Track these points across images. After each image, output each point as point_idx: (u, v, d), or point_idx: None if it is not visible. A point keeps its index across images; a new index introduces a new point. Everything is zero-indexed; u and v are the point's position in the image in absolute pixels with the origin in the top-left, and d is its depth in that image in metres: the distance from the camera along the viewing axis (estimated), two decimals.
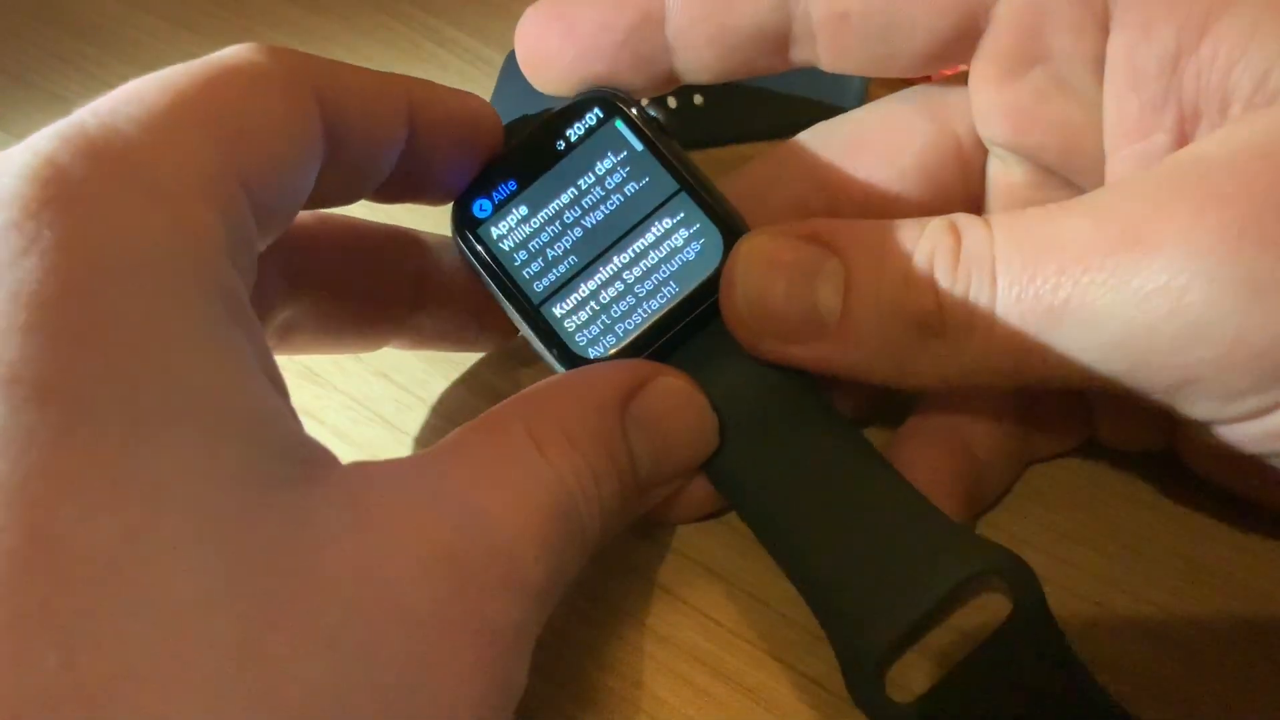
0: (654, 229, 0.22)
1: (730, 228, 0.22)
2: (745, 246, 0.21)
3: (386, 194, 0.22)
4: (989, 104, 0.22)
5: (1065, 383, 0.20)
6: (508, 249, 0.23)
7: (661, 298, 0.22)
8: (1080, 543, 0.23)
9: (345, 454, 0.26)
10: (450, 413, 0.27)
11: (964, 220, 0.20)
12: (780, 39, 0.22)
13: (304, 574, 0.14)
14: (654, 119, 0.23)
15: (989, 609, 0.20)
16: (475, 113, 0.22)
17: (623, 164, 0.22)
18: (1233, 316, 0.17)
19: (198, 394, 0.14)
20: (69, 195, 0.14)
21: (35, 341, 0.13)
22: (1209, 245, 0.17)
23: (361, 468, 0.17)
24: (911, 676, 0.20)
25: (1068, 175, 0.23)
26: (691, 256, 0.22)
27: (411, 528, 0.16)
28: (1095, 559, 0.23)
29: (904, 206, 0.24)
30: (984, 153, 0.24)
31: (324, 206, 0.21)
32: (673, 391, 0.21)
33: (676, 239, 0.22)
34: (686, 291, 0.22)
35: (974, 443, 0.23)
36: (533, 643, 0.17)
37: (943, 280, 0.19)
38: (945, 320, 0.20)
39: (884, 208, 0.24)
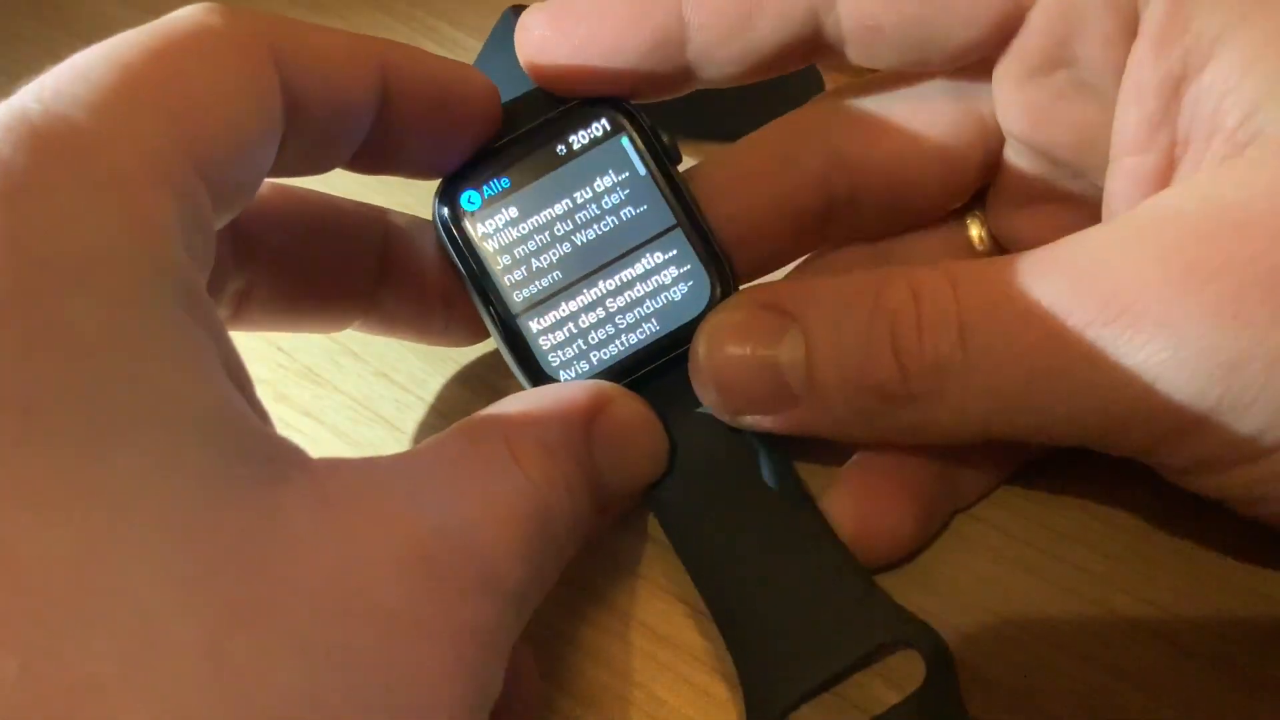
0: (644, 260, 0.22)
1: (721, 275, 0.22)
2: (708, 326, 0.21)
3: (363, 164, 0.21)
4: (1009, 99, 0.22)
5: (1038, 440, 0.20)
6: (492, 250, 0.22)
7: (641, 333, 0.22)
8: (1080, 543, 0.23)
9: (345, 454, 0.26)
10: (450, 412, 0.27)
11: (924, 279, 0.20)
12: (808, 47, 0.22)
13: (273, 576, 0.14)
14: (663, 142, 0.22)
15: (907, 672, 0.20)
16: (463, 82, 0.21)
17: (623, 185, 0.22)
18: (1212, 389, 0.17)
19: (156, 395, 0.14)
20: (14, 189, 0.14)
21: None
22: (1191, 323, 0.17)
23: (333, 465, 0.16)
24: None
25: (1081, 171, 0.23)
26: (678, 297, 0.22)
27: (386, 528, 0.15)
28: (1095, 559, 0.23)
29: (925, 186, 0.24)
30: (1004, 137, 0.24)
31: (291, 176, 0.20)
32: (632, 413, 0.21)
33: (665, 276, 0.22)
34: (666, 331, 0.22)
35: (947, 452, 0.23)
36: (510, 648, 0.17)
37: (906, 348, 0.19)
38: (911, 389, 0.19)
39: (904, 188, 0.24)
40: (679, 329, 0.22)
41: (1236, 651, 0.22)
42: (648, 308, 0.22)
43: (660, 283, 0.22)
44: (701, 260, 0.22)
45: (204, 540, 0.13)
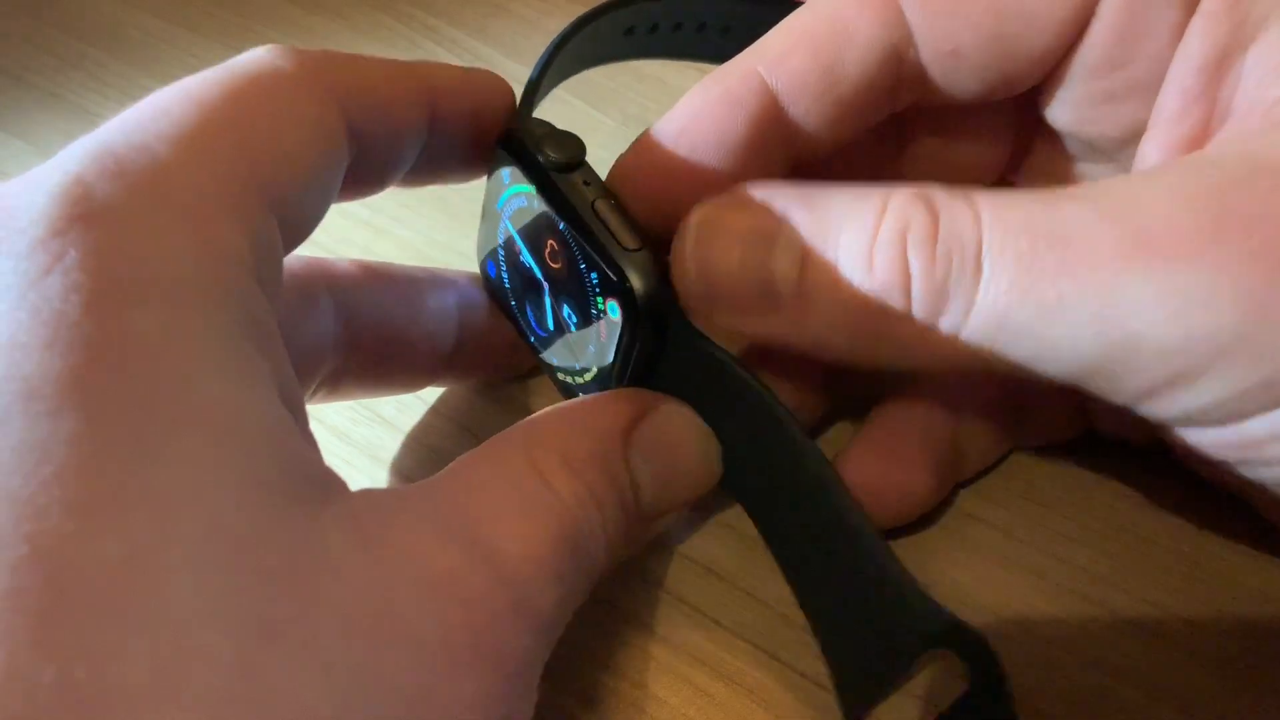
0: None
1: (613, 265, 0.20)
2: (697, 216, 0.20)
3: (412, 179, 0.22)
4: (1060, 96, 0.22)
5: (1033, 377, 0.19)
6: (516, 297, 0.24)
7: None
8: (1080, 543, 0.23)
9: (345, 454, 0.26)
10: (451, 413, 0.27)
11: (942, 196, 0.19)
12: (892, 85, 0.22)
13: (308, 595, 0.14)
14: (550, 156, 0.21)
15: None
16: (489, 88, 0.22)
17: (532, 211, 0.22)
18: (1239, 325, 0.17)
19: (208, 409, 0.14)
20: (95, 215, 0.15)
21: (54, 358, 0.13)
22: (1224, 266, 0.17)
23: (367, 494, 0.16)
24: None
25: (1119, 161, 0.23)
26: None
27: (418, 554, 0.16)
28: (1095, 559, 0.23)
29: (958, 137, 0.24)
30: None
31: (351, 199, 0.21)
32: (676, 420, 0.20)
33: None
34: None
35: (957, 421, 0.23)
36: (539, 673, 0.17)
37: (915, 260, 0.18)
38: (912, 304, 0.18)
39: (938, 131, 0.24)
40: (627, 319, 0.20)
41: (1236, 651, 0.22)
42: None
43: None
44: (598, 257, 0.20)
45: (245, 554, 0.14)
